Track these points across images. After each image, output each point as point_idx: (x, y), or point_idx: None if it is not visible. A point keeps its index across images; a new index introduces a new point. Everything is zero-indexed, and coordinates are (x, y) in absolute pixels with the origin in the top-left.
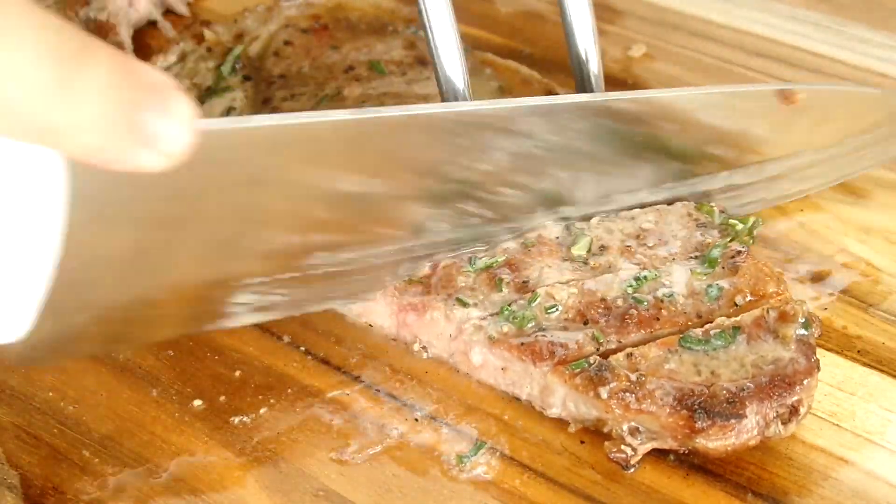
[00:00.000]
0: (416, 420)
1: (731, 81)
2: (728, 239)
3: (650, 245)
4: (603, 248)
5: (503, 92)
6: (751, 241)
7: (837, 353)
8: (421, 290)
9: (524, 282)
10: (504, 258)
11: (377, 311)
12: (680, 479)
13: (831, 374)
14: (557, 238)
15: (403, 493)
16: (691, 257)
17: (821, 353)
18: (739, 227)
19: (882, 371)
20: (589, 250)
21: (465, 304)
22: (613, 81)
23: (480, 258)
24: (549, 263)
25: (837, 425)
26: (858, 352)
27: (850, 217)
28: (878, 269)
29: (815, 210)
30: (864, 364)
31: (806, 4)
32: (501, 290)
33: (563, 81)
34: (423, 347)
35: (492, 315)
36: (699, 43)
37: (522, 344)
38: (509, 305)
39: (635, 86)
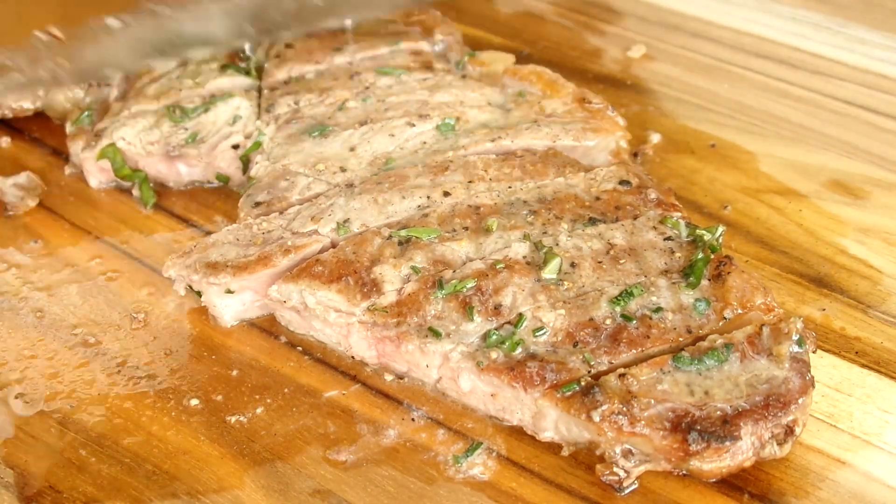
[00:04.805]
0: (413, 420)
1: (731, 82)
2: (700, 251)
3: (622, 261)
4: (574, 265)
5: (524, 96)
6: (718, 248)
7: (835, 354)
8: (392, 321)
9: (496, 307)
10: (473, 283)
11: (357, 344)
12: (676, 479)
13: (829, 375)
14: (525, 258)
15: (399, 494)
16: (668, 271)
17: (819, 354)
18: (707, 236)
19: (880, 372)
20: (560, 270)
21: (437, 335)
22: (613, 81)
23: (448, 282)
24: (520, 286)
25: (835, 426)
26: (856, 353)
27: (849, 218)
28: (877, 269)
29: (815, 211)
30: (863, 365)
31: (806, 5)
32: (473, 319)
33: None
34: (398, 377)
35: (479, 341)
36: (699, 43)
37: (512, 370)
38: (497, 330)
39: (635, 86)
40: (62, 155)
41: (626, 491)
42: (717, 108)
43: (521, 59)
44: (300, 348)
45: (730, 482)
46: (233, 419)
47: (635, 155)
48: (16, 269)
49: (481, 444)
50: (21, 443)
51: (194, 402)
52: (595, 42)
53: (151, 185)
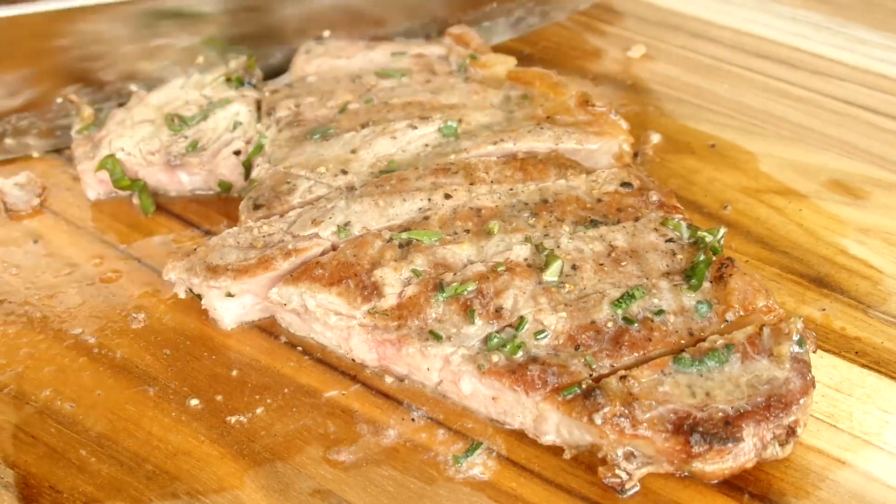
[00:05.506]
0: (413, 420)
1: (731, 82)
2: (702, 253)
3: (623, 263)
4: (575, 268)
5: (527, 99)
6: (720, 249)
7: (835, 353)
8: (392, 324)
9: (497, 309)
10: (474, 286)
11: (357, 347)
12: (677, 479)
13: (829, 374)
14: (526, 260)
15: (399, 494)
16: (670, 273)
17: (819, 354)
18: (709, 238)
19: (880, 372)
20: (561, 272)
21: (438, 338)
22: (613, 81)
23: (449, 285)
24: (521, 289)
25: (835, 426)
26: (856, 353)
27: (849, 218)
28: (878, 269)
29: (815, 211)
30: (863, 365)
31: (806, 5)
32: (474, 322)
33: None
34: (399, 379)
35: (480, 344)
36: (699, 43)
37: (513, 373)
38: (498, 333)
39: (635, 86)
40: (62, 155)
41: (629, 493)
42: (717, 108)
43: (522, 59)
44: (300, 348)
45: (730, 482)
46: (233, 419)
47: (635, 155)
48: (16, 269)
49: (481, 444)
50: (21, 443)
51: (194, 402)
52: (595, 42)
53: (151, 194)
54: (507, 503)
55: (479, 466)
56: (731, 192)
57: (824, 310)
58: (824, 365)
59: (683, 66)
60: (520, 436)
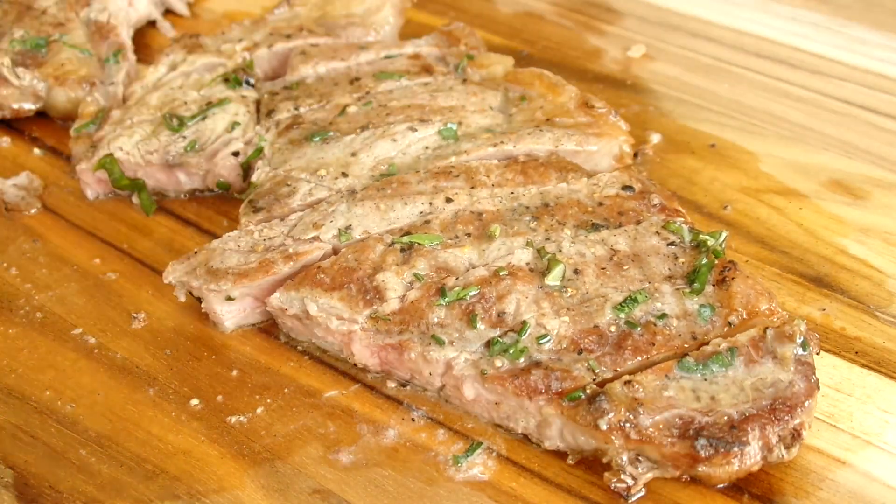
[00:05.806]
0: (413, 420)
1: (731, 82)
2: (704, 257)
3: (625, 267)
4: (577, 272)
5: (526, 100)
6: (722, 253)
7: (835, 353)
8: (394, 329)
9: (500, 314)
10: (476, 290)
11: (359, 352)
12: (676, 479)
13: (829, 374)
14: (528, 264)
15: (399, 494)
16: (672, 277)
17: (819, 354)
18: (711, 241)
19: (880, 372)
20: (563, 277)
21: (441, 343)
22: (613, 81)
23: (451, 289)
24: (524, 293)
25: (835, 426)
26: (856, 353)
27: (849, 218)
28: (878, 269)
29: (815, 211)
30: (863, 365)
31: (806, 5)
32: (476, 326)
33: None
34: (401, 384)
35: (483, 349)
36: (699, 43)
37: (516, 378)
38: (500, 338)
39: (635, 86)
40: (62, 155)
41: (634, 498)
42: (717, 108)
43: (521, 59)
44: (300, 348)
45: (730, 483)
46: (233, 419)
47: (635, 155)
48: (16, 268)
49: (481, 444)
50: (21, 443)
51: (194, 402)
52: (595, 42)
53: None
54: (507, 503)
55: (479, 466)
56: (731, 192)
57: (824, 310)
58: (824, 365)
59: (683, 66)
60: (520, 436)
